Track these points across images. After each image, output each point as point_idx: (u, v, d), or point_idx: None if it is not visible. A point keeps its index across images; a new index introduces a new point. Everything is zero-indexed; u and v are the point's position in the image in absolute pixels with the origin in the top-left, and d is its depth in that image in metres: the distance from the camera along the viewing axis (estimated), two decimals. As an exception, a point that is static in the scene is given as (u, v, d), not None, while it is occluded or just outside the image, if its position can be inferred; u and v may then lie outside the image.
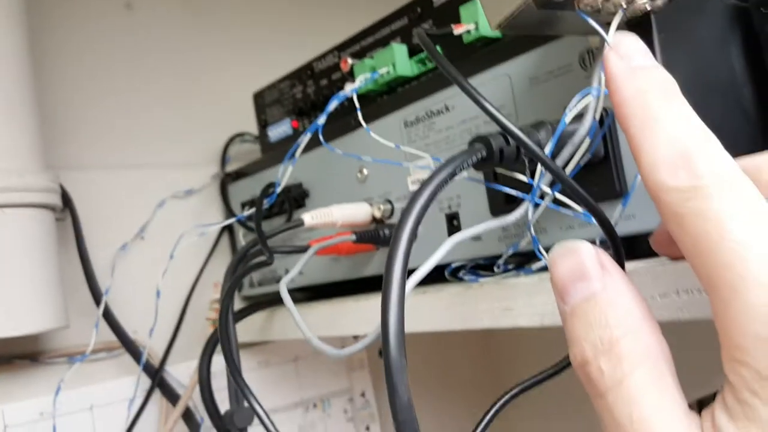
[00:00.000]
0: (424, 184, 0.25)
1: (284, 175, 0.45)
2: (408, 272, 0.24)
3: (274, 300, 0.51)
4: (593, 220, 0.29)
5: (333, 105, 0.42)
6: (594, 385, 0.21)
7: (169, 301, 0.57)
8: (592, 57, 0.31)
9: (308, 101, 0.52)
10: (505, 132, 0.27)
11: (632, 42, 0.23)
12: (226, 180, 0.60)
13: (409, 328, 0.38)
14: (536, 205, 0.30)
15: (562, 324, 0.23)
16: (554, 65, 0.33)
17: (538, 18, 0.26)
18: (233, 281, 0.40)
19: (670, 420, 0.19)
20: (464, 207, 0.39)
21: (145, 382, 0.53)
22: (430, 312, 0.37)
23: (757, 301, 0.17)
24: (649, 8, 0.26)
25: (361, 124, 0.42)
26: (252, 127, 0.65)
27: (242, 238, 0.56)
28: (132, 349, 0.52)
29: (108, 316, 0.51)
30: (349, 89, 0.43)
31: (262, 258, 0.41)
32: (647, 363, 0.20)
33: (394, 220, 0.43)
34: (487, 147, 0.27)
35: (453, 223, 0.40)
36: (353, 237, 0.41)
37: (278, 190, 0.45)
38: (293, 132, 0.54)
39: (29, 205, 0.45)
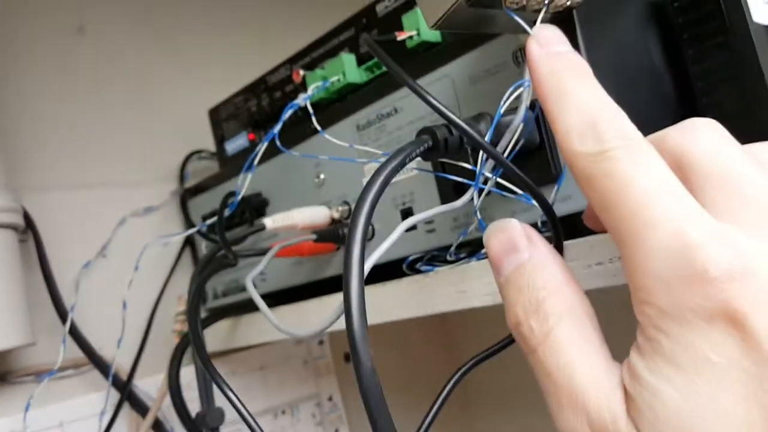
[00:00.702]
0: (377, 170, 0.27)
1: (244, 183, 0.46)
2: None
3: (240, 306, 0.52)
4: (534, 202, 0.31)
5: (288, 113, 0.44)
6: (527, 342, 0.23)
7: (134, 316, 0.58)
8: (523, 54, 0.34)
9: (264, 113, 0.54)
10: (448, 122, 0.29)
11: (550, 31, 0.26)
12: (186, 196, 0.61)
13: (373, 319, 0.40)
14: (481, 191, 0.33)
15: (500, 295, 0.25)
16: (491, 64, 0.36)
17: (471, 17, 0.29)
18: (201, 279, 0.41)
19: (593, 364, 0.21)
20: (417, 202, 0.41)
21: (114, 396, 0.54)
22: (392, 302, 0.39)
23: (656, 244, 0.20)
24: (569, 4, 0.30)
25: (316, 131, 0.45)
26: (207, 144, 0.66)
27: (204, 250, 0.57)
28: (99, 364, 0.53)
29: (74, 333, 0.52)
30: (302, 98, 0.45)
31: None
32: (570, 317, 0.22)
33: (352, 219, 0.45)
34: (433, 137, 0.30)
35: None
36: (314, 236, 0.42)
37: (238, 197, 0.47)
38: (250, 144, 0.56)
39: (-8, 225, 0.46)
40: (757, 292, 0.19)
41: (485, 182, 0.32)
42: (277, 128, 0.43)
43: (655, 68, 0.36)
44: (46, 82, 0.60)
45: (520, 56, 0.34)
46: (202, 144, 0.66)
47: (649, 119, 0.34)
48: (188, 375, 0.55)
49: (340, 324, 0.39)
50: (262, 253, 0.44)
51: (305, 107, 0.45)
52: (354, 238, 0.26)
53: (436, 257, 0.42)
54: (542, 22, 0.28)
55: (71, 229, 0.57)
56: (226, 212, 0.49)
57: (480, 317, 0.76)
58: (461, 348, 0.78)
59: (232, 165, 0.57)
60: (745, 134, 0.29)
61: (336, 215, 0.45)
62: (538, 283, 0.23)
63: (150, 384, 0.56)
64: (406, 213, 0.42)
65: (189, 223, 0.61)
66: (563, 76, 0.23)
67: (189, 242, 0.62)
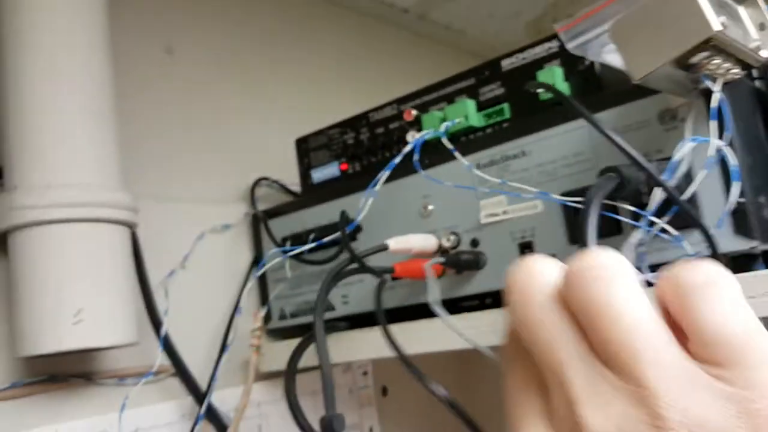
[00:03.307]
0: (589, 196, 0.31)
1: (365, 205, 0.50)
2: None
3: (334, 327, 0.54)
4: (682, 244, 0.36)
5: (419, 144, 0.48)
6: None
7: (206, 331, 0.59)
8: (671, 115, 0.39)
9: (362, 147, 0.58)
10: (636, 164, 0.34)
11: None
12: (259, 217, 0.63)
13: (491, 341, 0.43)
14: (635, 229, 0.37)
15: None
16: (632, 120, 0.41)
17: (665, 77, 0.34)
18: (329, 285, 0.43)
19: None
20: (539, 237, 0.45)
21: (190, 406, 0.54)
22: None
23: None
24: (737, 77, 0.35)
25: (430, 165, 0.49)
26: (272, 172, 0.69)
27: (288, 269, 0.59)
28: (184, 373, 0.53)
29: (165, 339, 0.52)
30: (436, 132, 0.49)
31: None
32: None
33: (462, 248, 0.49)
34: (620, 175, 0.34)
35: (525, 252, 0.46)
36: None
37: (359, 218, 0.50)
38: (341, 174, 0.59)
39: (117, 221, 0.47)
40: None
41: (650, 224, 0.36)
42: (416, 156, 0.47)
43: (761, 141, 0.43)
44: (134, 97, 0.62)
45: (667, 117, 0.40)
46: (270, 170, 0.69)
47: (761, 181, 0.40)
48: (234, 395, 0.57)
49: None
50: (386, 270, 0.47)
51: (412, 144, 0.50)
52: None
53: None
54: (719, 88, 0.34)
55: (153, 238, 0.58)
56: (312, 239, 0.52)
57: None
58: (477, 385, 0.81)
59: (317, 192, 0.60)
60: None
61: (446, 244, 0.49)
62: None
63: (220, 397, 0.56)
64: (525, 247, 0.46)
65: (259, 245, 0.63)
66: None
67: (257, 262, 0.64)
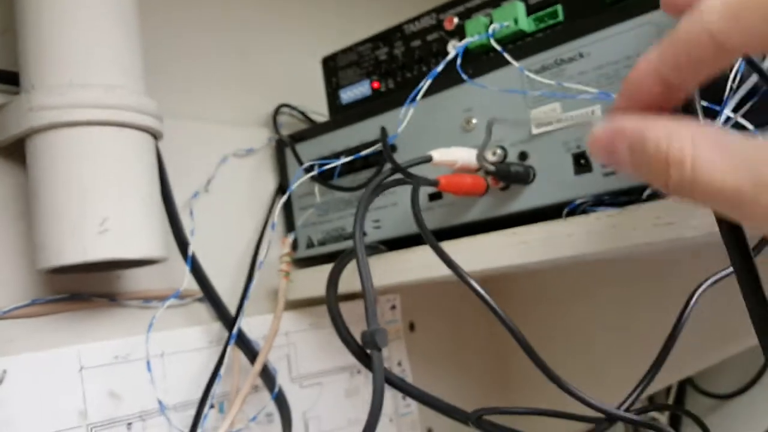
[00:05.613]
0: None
1: (405, 116, 0.47)
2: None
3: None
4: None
5: (463, 49, 0.45)
6: None
7: (230, 256, 0.56)
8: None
9: (396, 62, 0.54)
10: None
11: None
12: (285, 142, 0.60)
13: (563, 253, 0.40)
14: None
15: None
16: (707, 12, 0.38)
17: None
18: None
19: None
20: (596, 145, 0.42)
21: (217, 331, 0.52)
22: (585, 236, 0.40)
23: None
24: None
25: (475, 75, 0.46)
26: (298, 96, 0.66)
27: (318, 193, 0.56)
28: (212, 296, 0.51)
29: (192, 260, 0.50)
30: (468, 39, 0.46)
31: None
32: None
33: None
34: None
35: (580, 162, 0.43)
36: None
37: (400, 128, 0.47)
38: (373, 92, 0.56)
39: (143, 128, 0.44)
40: None
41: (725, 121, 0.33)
42: (458, 61, 0.44)
43: None
44: (153, 10, 0.58)
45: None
46: (291, 95, 0.66)
47: None
48: (264, 323, 0.54)
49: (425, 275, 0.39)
50: (431, 183, 0.44)
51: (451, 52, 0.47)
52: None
53: (602, 202, 0.43)
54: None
55: (174, 157, 0.55)
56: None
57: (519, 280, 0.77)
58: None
59: (347, 114, 0.56)
60: None
61: (492, 158, 0.46)
62: None
63: (246, 325, 0.54)
64: (580, 157, 0.43)
65: (284, 171, 0.60)
66: None
67: (282, 189, 0.61)
